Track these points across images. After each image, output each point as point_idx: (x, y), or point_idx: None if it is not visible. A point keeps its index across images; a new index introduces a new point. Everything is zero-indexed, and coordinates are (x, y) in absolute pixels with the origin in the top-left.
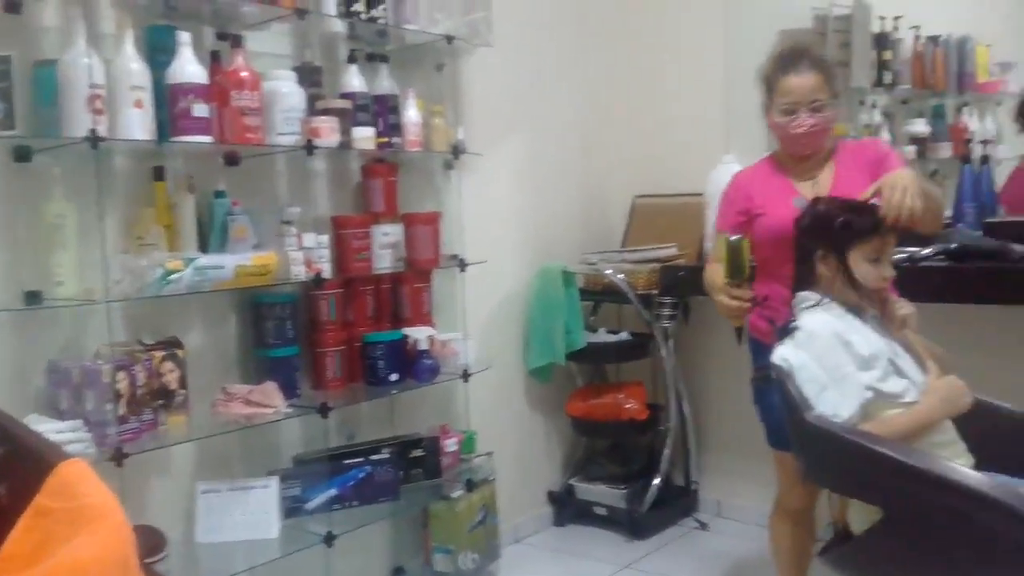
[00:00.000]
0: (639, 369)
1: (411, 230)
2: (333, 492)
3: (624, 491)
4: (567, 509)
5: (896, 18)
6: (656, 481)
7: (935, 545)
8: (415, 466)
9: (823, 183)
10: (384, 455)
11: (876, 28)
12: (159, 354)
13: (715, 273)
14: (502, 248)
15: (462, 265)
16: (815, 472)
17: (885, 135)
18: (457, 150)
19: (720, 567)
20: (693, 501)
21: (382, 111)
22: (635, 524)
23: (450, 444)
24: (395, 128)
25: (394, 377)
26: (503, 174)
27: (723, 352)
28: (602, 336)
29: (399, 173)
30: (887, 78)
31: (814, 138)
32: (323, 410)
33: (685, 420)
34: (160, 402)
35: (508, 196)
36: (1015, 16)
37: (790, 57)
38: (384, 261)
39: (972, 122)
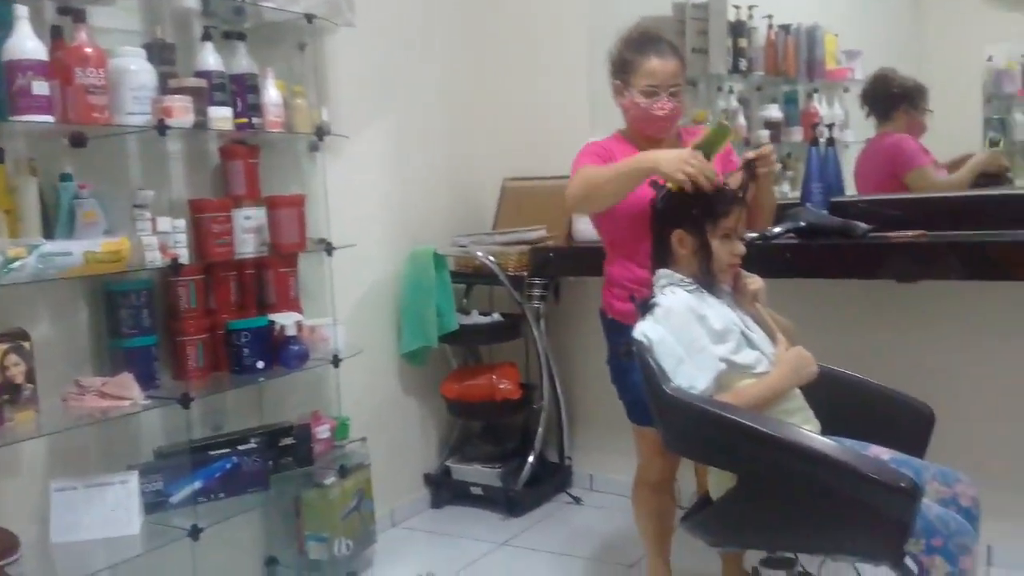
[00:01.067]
0: (512, 350)
1: (275, 214)
2: (198, 485)
3: (499, 470)
4: (444, 491)
5: (750, 7)
6: (530, 459)
7: (785, 506)
8: (285, 455)
9: None
10: (252, 445)
11: (732, 16)
12: (2, 347)
13: (623, 161)
14: (371, 232)
15: (329, 249)
16: (675, 442)
17: (741, 120)
18: (321, 131)
19: (593, 539)
20: (567, 477)
21: (240, 91)
22: (511, 502)
23: (322, 431)
24: (254, 109)
25: (261, 365)
26: (371, 156)
27: (594, 331)
28: (475, 318)
29: (261, 155)
30: (743, 65)
31: (671, 122)
32: (184, 401)
33: (558, 398)
34: (5, 397)
35: (376, 179)
36: (860, 5)
37: (650, 40)
38: (247, 246)
39: (822, 107)
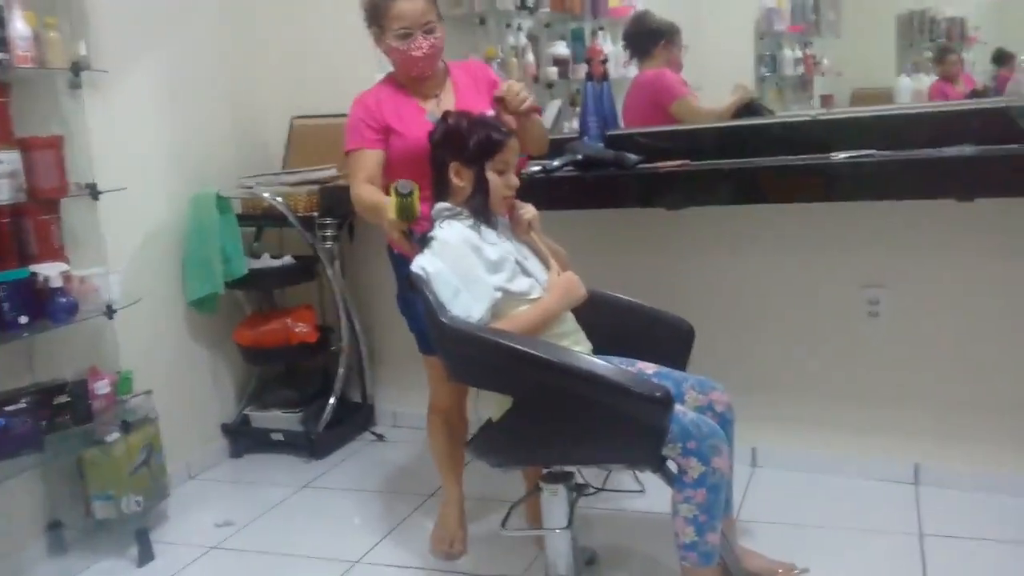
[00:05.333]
0: (307, 292)
1: (30, 156)
2: None
3: (299, 414)
4: (243, 439)
5: None
6: (331, 401)
7: (557, 423)
8: (61, 413)
9: (446, 101)
10: (21, 405)
11: None
12: None
13: (373, 197)
14: (147, 174)
15: (95, 193)
16: (455, 371)
17: (529, 56)
18: (79, 67)
19: (394, 473)
20: (370, 415)
21: None
22: (313, 445)
23: (101, 386)
24: (0, 43)
25: (24, 319)
26: (141, 94)
27: (390, 269)
28: (266, 261)
29: (11, 93)
30: (530, 2)
31: (432, 59)
32: None
33: (357, 338)
34: None
35: (150, 118)
36: None
37: None
38: (1, 192)
39: (607, 45)
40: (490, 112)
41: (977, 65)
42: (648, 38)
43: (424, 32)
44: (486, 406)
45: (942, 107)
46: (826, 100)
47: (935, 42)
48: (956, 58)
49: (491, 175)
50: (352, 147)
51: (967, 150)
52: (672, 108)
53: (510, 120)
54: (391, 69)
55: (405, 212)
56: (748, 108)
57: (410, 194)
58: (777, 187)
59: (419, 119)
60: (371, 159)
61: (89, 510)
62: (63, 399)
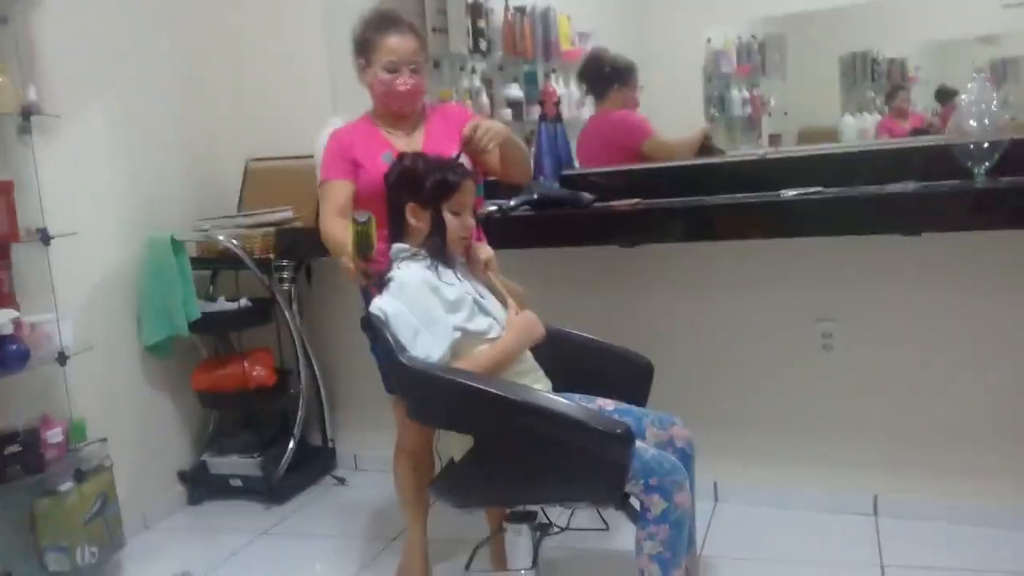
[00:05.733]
0: (265, 335)
1: None
2: None
3: (258, 459)
4: (201, 486)
5: None
6: (291, 445)
7: (518, 462)
8: (12, 463)
9: (416, 141)
10: None
11: None
12: None
13: (341, 236)
14: (100, 219)
15: (45, 238)
16: (416, 411)
17: (484, 99)
18: (28, 111)
19: (356, 517)
20: (331, 459)
21: None
22: (272, 490)
23: (53, 435)
24: None
25: None
26: (94, 138)
27: (349, 310)
28: (221, 304)
29: None
30: (483, 45)
31: (414, 97)
32: None
33: (317, 381)
34: None
35: (102, 162)
36: None
37: (389, 19)
38: None
39: (559, 86)
40: (454, 153)
41: (918, 103)
42: (602, 79)
43: (411, 70)
44: (448, 447)
45: (886, 144)
46: (774, 139)
47: (876, 82)
48: (906, 96)
49: (447, 216)
50: (323, 177)
51: (910, 186)
52: (644, 147)
53: (484, 157)
54: (345, 119)
55: (362, 242)
56: (701, 147)
57: (367, 222)
58: (729, 224)
59: (383, 154)
60: (341, 191)
61: (42, 562)
62: (14, 448)
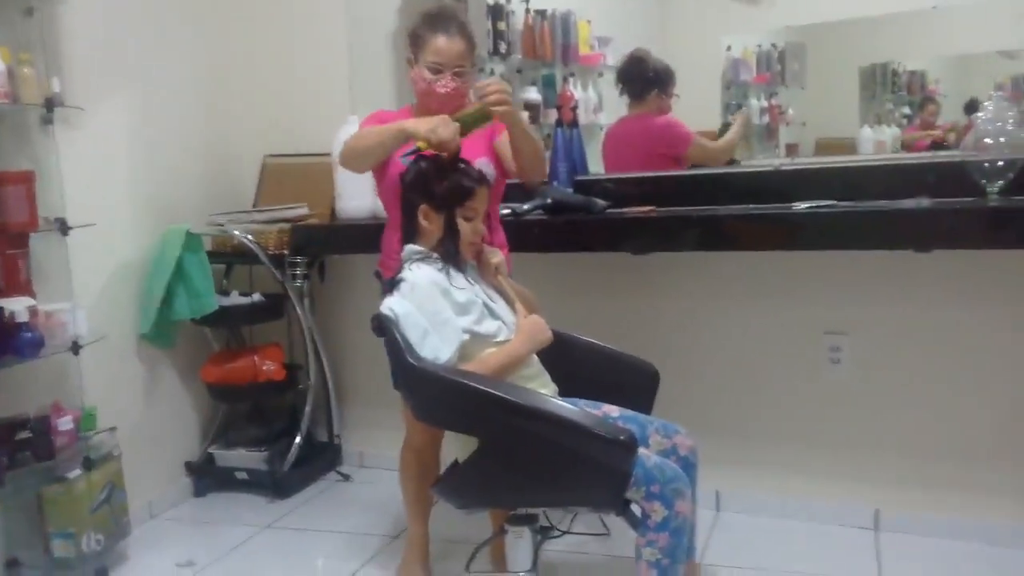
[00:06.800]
0: (277, 330)
1: (1, 190)
2: None
3: (265, 453)
4: (207, 478)
5: None
6: (297, 440)
7: (522, 465)
8: (23, 449)
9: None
10: None
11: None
12: None
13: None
14: (118, 210)
15: (64, 229)
16: (422, 412)
17: None
18: (52, 103)
19: (359, 514)
20: (337, 455)
21: None
22: (277, 484)
23: (64, 422)
24: None
25: None
26: (114, 130)
27: (360, 308)
28: (234, 299)
29: None
30: (502, 48)
31: (454, 101)
32: None
33: (325, 378)
34: None
35: (122, 155)
36: None
37: (442, 18)
38: None
39: (577, 91)
40: (483, 159)
41: (940, 117)
42: (644, 82)
43: (454, 73)
44: (453, 447)
45: (900, 159)
46: (791, 149)
47: (896, 94)
48: (935, 108)
49: (460, 220)
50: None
51: (924, 202)
52: (688, 152)
53: (501, 150)
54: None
55: (473, 120)
56: None
57: (488, 114)
58: (740, 235)
59: (403, 154)
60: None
61: (48, 548)
62: (25, 435)
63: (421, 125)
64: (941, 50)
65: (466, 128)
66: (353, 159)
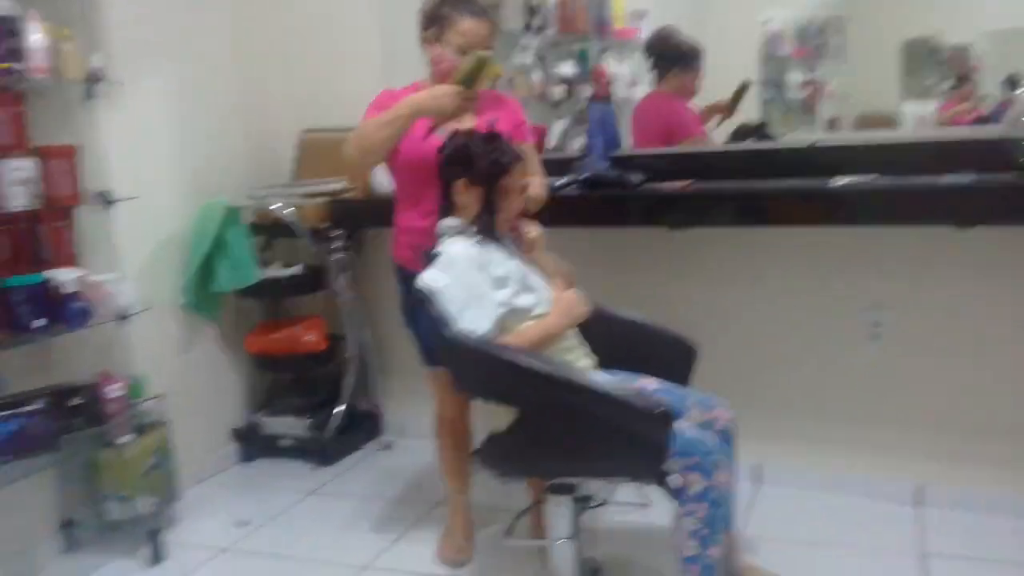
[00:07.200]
0: (318, 302)
1: (45, 165)
2: None
3: (309, 421)
4: (253, 445)
5: None
6: (340, 409)
7: (560, 436)
8: (76, 415)
9: (467, 122)
10: (37, 406)
11: None
12: None
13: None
14: (160, 184)
15: (108, 201)
16: (462, 383)
17: (537, 74)
18: (94, 78)
19: (400, 482)
20: (378, 424)
21: None
22: (321, 451)
23: (114, 390)
24: (15, 53)
25: (40, 323)
26: (155, 105)
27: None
28: (276, 271)
29: (28, 103)
30: (537, 22)
31: None
32: None
33: (367, 348)
34: None
35: (163, 129)
36: None
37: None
38: (17, 199)
39: (612, 65)
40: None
41: (982, 91)
42: (664, 60)
43: None
44: (490, 417)
45: (942, 135)
46: (831, 123)
47: (938, 68)
48: (972, 84)
49: (498, 195)
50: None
51: (965, 179)
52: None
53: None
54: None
55: (471, 74)
56: (754, 131)
57: (485, 58)
58: (778, 210)
59: (423, 126)
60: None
61: (102, 510)
62: (77, 401)
63: (425, 101)
64: (984, 24)
65: (469, 84)
66: (363, 156)
